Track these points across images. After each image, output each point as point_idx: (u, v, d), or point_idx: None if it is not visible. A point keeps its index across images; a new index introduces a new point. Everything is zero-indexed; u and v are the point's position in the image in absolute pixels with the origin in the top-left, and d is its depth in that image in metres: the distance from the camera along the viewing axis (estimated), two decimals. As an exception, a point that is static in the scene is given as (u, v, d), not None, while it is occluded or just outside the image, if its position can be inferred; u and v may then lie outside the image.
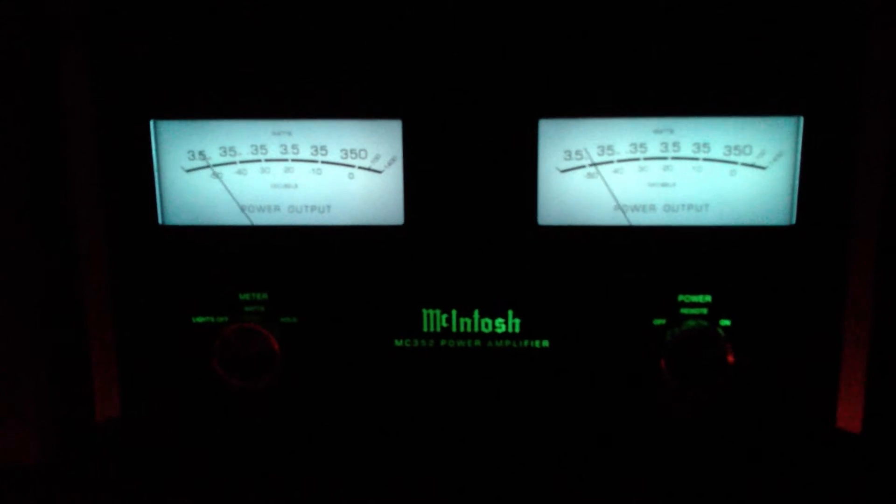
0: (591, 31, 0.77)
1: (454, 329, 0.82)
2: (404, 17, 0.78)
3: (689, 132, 0.79)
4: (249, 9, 0.78)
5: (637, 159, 0.80)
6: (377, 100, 0.79)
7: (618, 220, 0.80)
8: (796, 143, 0.78)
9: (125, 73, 0.79)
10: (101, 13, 0.78)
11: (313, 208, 0.81)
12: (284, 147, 0.81)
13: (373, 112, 0.80)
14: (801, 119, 0.78)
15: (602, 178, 0.80)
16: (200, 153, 0.81)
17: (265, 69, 0.79)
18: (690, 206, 0.80)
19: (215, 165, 0.82)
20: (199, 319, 0.82)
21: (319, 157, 0.81)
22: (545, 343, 0.82)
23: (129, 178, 0.81)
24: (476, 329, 0.82)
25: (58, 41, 0.78)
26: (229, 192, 0.81)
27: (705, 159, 0.80)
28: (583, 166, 0.80)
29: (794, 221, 0.79)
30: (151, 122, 0.80)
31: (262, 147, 0.81)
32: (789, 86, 0.77)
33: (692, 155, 0.80)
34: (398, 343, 0.83)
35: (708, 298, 0.80)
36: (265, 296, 0.82)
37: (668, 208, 0.80)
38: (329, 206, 0.81)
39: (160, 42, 0.78)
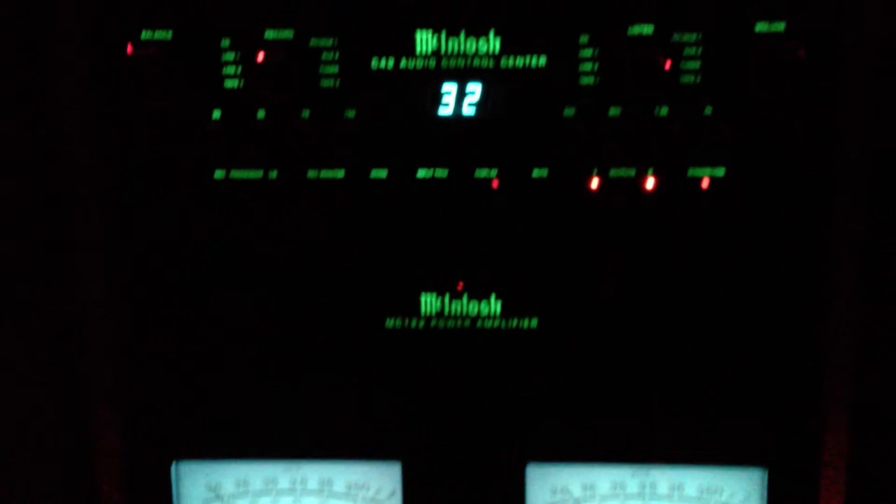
0: (578, 388, 0.85)
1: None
2: (402, 377, 0.85)
3: (665, 475, 0.87)
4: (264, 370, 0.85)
5: (617, 496, 0.88)
6: (379, 444, 0.87)
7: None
8: (762, 489, 0.86)
9: (151, 421, 0.87)
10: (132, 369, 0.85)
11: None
12: (294, 481, 0.89)
13: (375, 454, 0.87)
14: (766, 471, 0.85)
15: (585, 513, 0.88)
16: (216, 487, 0.89)
17: (278, 415, 0.87)
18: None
19: (229, 497, 0.89)
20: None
21: (326, 490, 0.89)
22: None
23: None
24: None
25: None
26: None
27: (680, 499, 0.87)
28: (566, 501, 0.88)
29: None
30: (173, 464, 0.88)
31: (273, 480, 0.89)
32: (754, 441, 0.84)
33: (668, 493, 0.87)
34: None
35: None
36: None
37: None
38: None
39: (185, 394, 0.86)
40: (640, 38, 0.76)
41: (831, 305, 0.79)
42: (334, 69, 0.79)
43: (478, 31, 0.78)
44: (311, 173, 0.81)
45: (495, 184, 0.81)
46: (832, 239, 0.78)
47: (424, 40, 0.78)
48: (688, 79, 0.77)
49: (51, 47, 0.79)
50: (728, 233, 0.80)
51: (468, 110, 0.79)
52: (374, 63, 0.79)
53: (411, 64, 0.79)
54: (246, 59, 0.78)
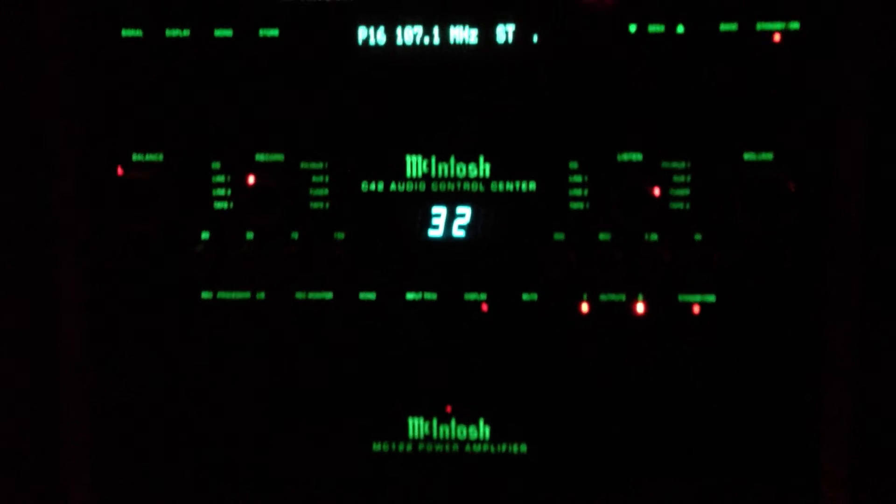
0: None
1: None
2: (389, 501, 0.83)
3: None
4: None
5: None
6: None
7: None
8: None
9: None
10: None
11: None
12: None
13: None
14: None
15: None
16: None
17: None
18: None
19: None
20: None
21: None
22: None
23: None
24: None
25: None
26: None
27: None
28: None
29: None
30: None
31: None
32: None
33: None
34: None
35: None
36: None
37: None
38: None
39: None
40: (630, 164, 0.77)
41: (825, 436, 0.78)
42: (324, 191, 0.79)
43: (467, 157, 0.78)
44: (300, 295, 0.80)
45: (484, 307, 0.80)
46: (826, 367, 0.78)
47: (414, 164, 0.78)
48: (677, 205, 0.77)
49: (42, 167, 0.79)
50: (719, 359, 0.79)
51: (458, 233, 0.79)
52: (364, 186, 0.79)
53: (401, 187, 0.79)
54: (236, 182, 0.78)
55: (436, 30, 0.76)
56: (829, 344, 0.76)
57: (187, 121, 0.78)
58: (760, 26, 0.74)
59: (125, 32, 0.77)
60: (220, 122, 0.78)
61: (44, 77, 0.78)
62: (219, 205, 0.79)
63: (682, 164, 0.76)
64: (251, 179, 0.78)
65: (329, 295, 0.80)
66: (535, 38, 0.76)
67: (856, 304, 0.76)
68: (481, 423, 0.82)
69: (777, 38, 0.74)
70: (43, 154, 0.79)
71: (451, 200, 0.79)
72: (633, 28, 0.75)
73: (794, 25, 0.74)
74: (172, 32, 0.77)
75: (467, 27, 0.76)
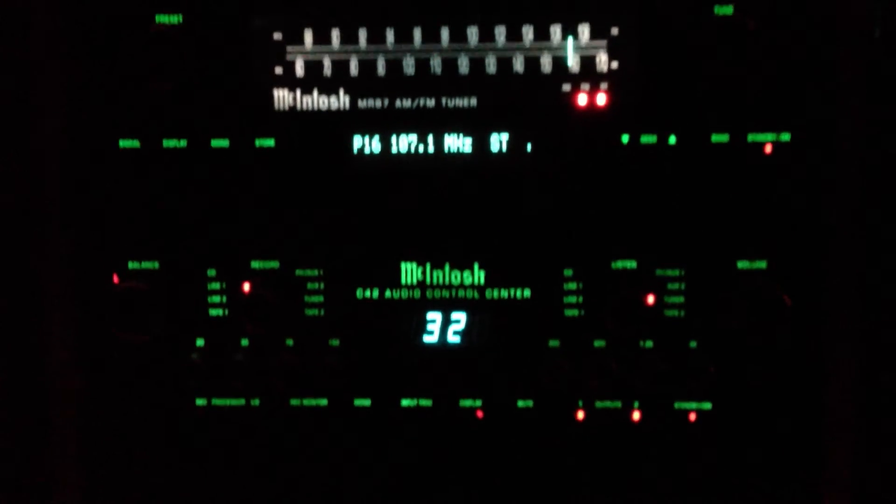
0: None
1: None
2: None
3: None
4: None
5: None
6: None
7: None
8: None
9: None
10: None
11: None
12: None
13: None
14: None
15: None
16: None
17: None
18: None
19: None
20: None
21: None
22: None
23: None
24: None
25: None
26: None
27: None
28: None
29: None
30: None
31: None
32: None
33: None
34: None
35: None
36: None
37: None
38: None
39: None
40: (624, 272, 0.77)
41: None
42: (319, 298, 0.79)
43: (462, 264, 0.78)
44: (294, 401, 0.80)
45: (480, 414, 0.80)
46: (826, 473, 0.77)
47: (409, 272, 0.79)
48: (671, 313, 0.77)
49: (39, 277, 0.80)
50: (716, 467, 0.78)
51: (453, 338, 0.79)
52: (358, 293, 0.79)
53: (396, 294, 0.79)
54: (232, 289, 0.79)
55: (430, 138, 0.77)
56: (828, 455, 0.76)
57: (183, 228, 0.79)
58: (752, 137, 0.75)
59: (123, 143, 0.78)
60: (216, 230, 0.79)
61: (42, 184, 0.79)
62: (214, 312, 0.79)
63: (677, 272, 0.76)
64: (246, 287, 0.78)
65: (324, 401, 0.80)
66: (529, 147, 0.77)
67: (855, 418, 0.75)
68: (478, 530, 0.81)
69: (768, 149, 0.74)
70: (40, 261, 0.79)
71: (446, 307, 0.79)
72: (625, 138, 0.76)
73: (785, 137, 0.74)
74: (170, 143, 0.78)
75: (461, 135, 0.77)
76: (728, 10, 0.73)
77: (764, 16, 0.73)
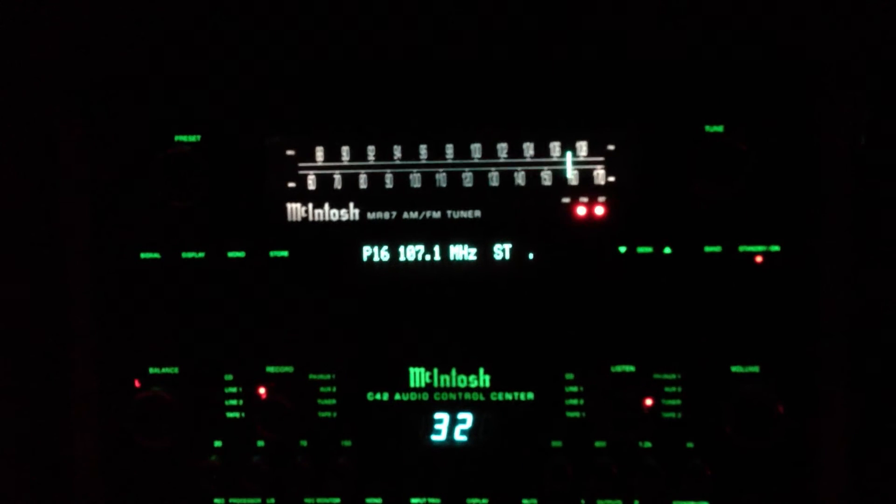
0: None
1: None
2: None
3: None
4: None
5: None
6: None
7: None
8: None
9: None
10: None
11: None
12: None
13: None
14: None
15: None
16: None
17: None
18: None
19: None
20: None
21: None
22: None
23: None
24: None
25: None
26: None
27: None
28: None
29: None
30: None
31: None
32: None
33: None
34: None
35: None
36: None
37: None
38: None
39: None
40: (623, 376, 0.80)
41: None
42: (332, 401, 0.82)
43: (468, 368, 0.82)
44: (308, 501, 0.83)
45: (487, 511, 0.83)
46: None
47: (417, 376, 0.82)
48: (669, 414, 0.80)
49: (64, 384, 0.83)
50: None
51: (460, 437, 0.82)
52: (369, 396, 0.82)
53: (405, 397, 0.82)
54: (248, 393, 0.82)
55: (436, 248, 0.81)
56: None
57: (202, 335, 0.82)
58: (743, 249, 0.78)
59: (144, 255, 0.82)
60: (232, 337, 0.82)
61: (68, 293, 0.83)
62: (231, 415, 0.83)
63: (674, 376, 0.80)
64: (262, 391, 0.81)
65: (337, 500, 0.83)
66: (531, 256, 0.80)
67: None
68: None
69: (759, 259, 0.78)
70: (64, 368, 0.83)
71: (453, 408, 0.82)
72: (622, 249, 0.79)
73: (775, 248, 0.78)
74: (188, 255, 0.82)
75: (466, 245, 0.81)
76: (718, 128, 0.77)
77: (752, 133, 0.77)
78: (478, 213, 0.80)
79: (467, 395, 0.82)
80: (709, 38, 0.78)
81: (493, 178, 0.80)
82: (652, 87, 0.78)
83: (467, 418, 0.82)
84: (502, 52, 0.80)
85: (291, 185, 0.81)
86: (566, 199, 0.79)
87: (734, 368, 0.79)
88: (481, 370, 0.82)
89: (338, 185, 0.81)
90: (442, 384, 0.82)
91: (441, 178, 0.80)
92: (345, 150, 0.80)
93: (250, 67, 0.81)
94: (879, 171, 0.79)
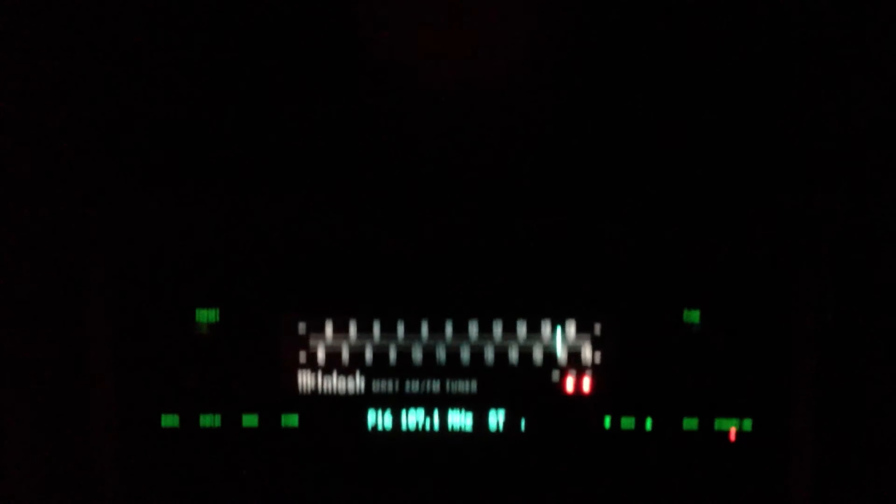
0: None
1: None
2: None
3: None
4: None
5: None
6: None
7: None
8: None
9: None
10: None
11: None
12: None
13: None
14: None
15: None
16: None
17: None
18: None
19: None
20: None
21: None
22: None
23: None
24: None
25: None
26: None
27: None
28: None
29: None
30: None
31: None
32: None
33: None
34: None
35: None
36: None
37: None
38: None
39: None
40: None
41: None
42: (336, 558, 0.88)
43: (464, 530, 0.88)
44: None
45: None
46: None
47: (417, 536, 0.88)
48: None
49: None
50: None
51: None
52: (372, 554, 0.89)
53: (406, 557, 0.88)
54: None
55: (436, 416, 0.87)
56: None
57: (217, 501, 0.88)
58: (718, 424, 0.85)
59: (164, 420, 0.88)
60: (247, 499, 0.88)
61: (92, 455, 0.88)
62: None
63: None
64: None
65: None
66: (523, 426, 0.87)
67: None
68: None
69: (733, 435, 0.85)
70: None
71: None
72: (607, 421, 0.86)
73: (747, 424, 0.85)
74: (206, 420, 0.88)
75: (463, 413, 0.88)
76: (695, 315, 0.84)
77: (727, 321, 0.84)
78: (474, 386, 0.87)
79: (463, 557, 0.88)
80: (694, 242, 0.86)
81: (489, 355, 0.87)
82: (632, 275, 0.86)
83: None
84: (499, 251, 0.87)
85: (303, 357, 0.88)
86: (555, 375, 0.86)
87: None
88: None
89: (345, 358, 0.88)
90: (440, 545, 0.88)
91: (441, 354, 0.87)
92: (352, 326, 0.87)
93: (270, 253, 0.88)
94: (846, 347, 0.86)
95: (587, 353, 0.86)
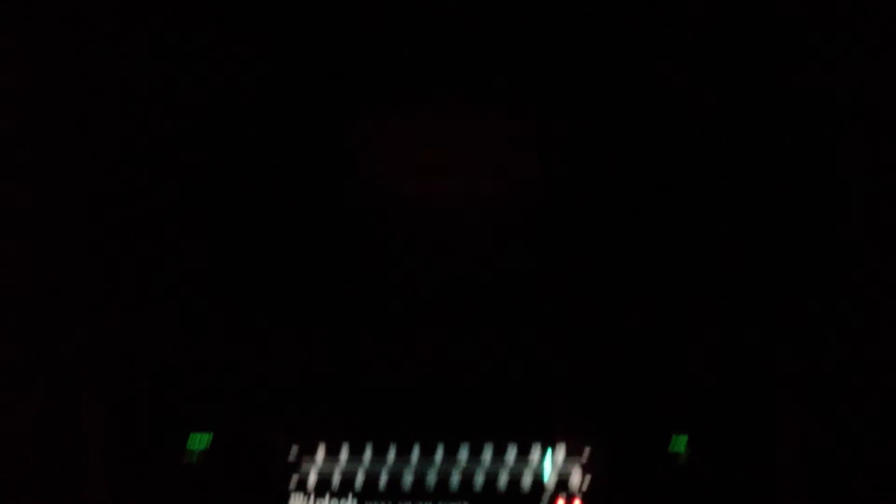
0: None
1: None
2: None
3: None
4: None
5: None
6: None
7: None
8: None
9: None
10: None
11: None
12: None
13: None
14: None
15: None
16: None
17: None
18: None
19: None
20: None
21: None
22: None
23: None
24: None
25: None
26: None
27: None
28: None
29: None
30: None
31: None
32: None
33: None
34: None
35: None
36: None
37: None
38: None
39: None
40: None
41: None
42: None
43: None
44: None
45: None
46: None
47: None
48: None
49: None
50: None
51: None
52: None
53: None
54: None
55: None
56: None
57: None
58: None
59: (155, 544, 0.89)
60: None
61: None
62: None
63: None
64: None
65: None
66: (514, 552, 0.88)
67: None
68: None
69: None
70: None
71: None
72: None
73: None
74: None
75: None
76: (682, 442, 0.85)
77: (714, 448, 0.85)
78: (465, 508, 0.88)
79: None
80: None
81: (479, 480, 0.88)
82: (617, 401, 0.87)
83: None
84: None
85: (294, 481, 0.88)
86: (545, 500, 0.87)
87: None
88: None
89: (336, 482, 0.88)
90: None
91: (431, 480, 0.88)
92: (344, 450, 0.88)
93: (266, 379, 0.89)
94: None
95: (576, 476, 0.87)
